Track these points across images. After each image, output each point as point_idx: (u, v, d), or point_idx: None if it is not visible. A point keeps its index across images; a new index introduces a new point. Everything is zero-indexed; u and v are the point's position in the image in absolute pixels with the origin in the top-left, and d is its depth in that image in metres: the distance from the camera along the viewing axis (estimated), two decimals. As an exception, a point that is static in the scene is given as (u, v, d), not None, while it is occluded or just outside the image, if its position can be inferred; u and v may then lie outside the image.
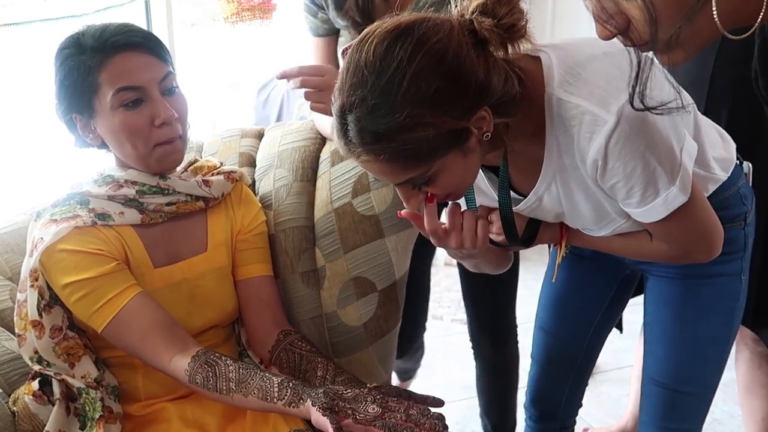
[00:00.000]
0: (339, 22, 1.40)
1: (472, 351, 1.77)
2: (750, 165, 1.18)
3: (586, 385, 1.43)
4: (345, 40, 1.47)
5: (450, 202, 1.08)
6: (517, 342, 1.75)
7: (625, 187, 0.94)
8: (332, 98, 0.90)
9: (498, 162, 1.01)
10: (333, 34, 1.47)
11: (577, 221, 1.10)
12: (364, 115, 0.85)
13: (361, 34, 0.88)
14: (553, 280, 1.26)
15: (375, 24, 0.89)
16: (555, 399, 1.41)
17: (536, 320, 1.39)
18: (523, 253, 1.68)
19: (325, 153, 1.41)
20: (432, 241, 1.07)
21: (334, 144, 1.41)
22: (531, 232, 1.17)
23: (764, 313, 1.43)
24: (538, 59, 0.95)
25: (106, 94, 1.09)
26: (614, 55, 0.95)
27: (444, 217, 1.10)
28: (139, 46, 1.11)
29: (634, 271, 1.28)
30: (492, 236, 1.14)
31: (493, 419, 1.84)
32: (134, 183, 1.16)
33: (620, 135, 0.89)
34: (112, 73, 1.09)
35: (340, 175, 1.35)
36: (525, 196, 1.05)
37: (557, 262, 1.23)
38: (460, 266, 1.53)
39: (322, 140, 1.45)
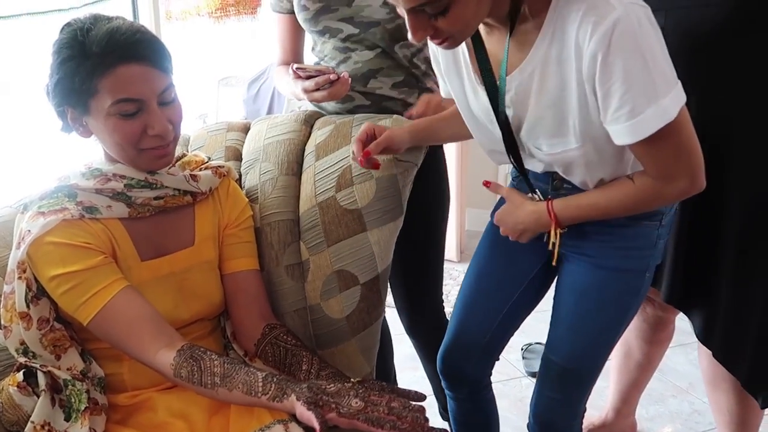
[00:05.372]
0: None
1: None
2: None
3: (497, 359, 1.45)
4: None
5: None
6: (438, 313, 1.74)
7: (621, 89, 0.95)
8: None
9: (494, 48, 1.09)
10: (292, 12, 1.57)
11: (536, 128, 1.11)
12: None
13: None
14: (554, 263, 1.26)
15: None
16: (462, 368, 1.43)
17: (459, 292, 1.43)
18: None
19: (310, 146, 1.42)
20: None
21: (318, 137, 1.43)
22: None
23: (691, 295, 1.45)
24: None
25: (104, 100, 1.08)
26: None
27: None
28: (145, 58, 1.08)
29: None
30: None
31: (441, 400, 1.85)
32: (122, 177, 1.16)
33: (626, 27, 0.92)
34: (113, 83, 1.07)
35: (324, 169, 1.36)
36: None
37: (557, 246, 1.21)
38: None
39: (307, 132, 1.46)
